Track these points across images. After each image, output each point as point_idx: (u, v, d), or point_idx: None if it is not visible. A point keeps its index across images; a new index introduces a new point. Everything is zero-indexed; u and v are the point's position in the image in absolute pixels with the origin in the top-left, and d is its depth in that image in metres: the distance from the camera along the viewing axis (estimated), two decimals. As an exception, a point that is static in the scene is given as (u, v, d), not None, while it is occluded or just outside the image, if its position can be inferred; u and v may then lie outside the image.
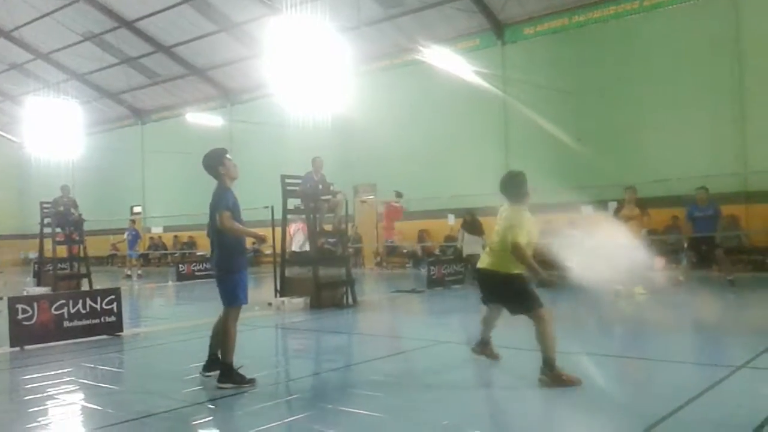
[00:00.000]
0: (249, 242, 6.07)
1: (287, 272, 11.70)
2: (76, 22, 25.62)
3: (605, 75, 17.84)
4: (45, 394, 5.53)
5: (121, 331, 8.59)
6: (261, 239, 5.91)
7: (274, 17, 18.25)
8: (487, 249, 5.74)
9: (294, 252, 13.10)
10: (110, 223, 27.61)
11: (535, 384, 5.20)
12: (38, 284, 15.98)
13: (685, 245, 13.35)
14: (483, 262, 5.66)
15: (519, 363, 5.97)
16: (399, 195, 20.45)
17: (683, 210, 15.67)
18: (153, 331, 9.54)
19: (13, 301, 7.74)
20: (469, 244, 14.60)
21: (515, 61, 19.59)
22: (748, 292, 11.85)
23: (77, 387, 5.87)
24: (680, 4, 16.84)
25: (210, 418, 4.96)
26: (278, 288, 11.49)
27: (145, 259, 27.14)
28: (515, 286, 5.42)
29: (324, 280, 11.26)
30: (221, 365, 5.64)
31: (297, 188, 11.62)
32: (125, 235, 22.19)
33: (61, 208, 15.28)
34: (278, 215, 11.79)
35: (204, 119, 25.67)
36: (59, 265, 15.42)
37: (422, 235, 21.12)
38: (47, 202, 15.69)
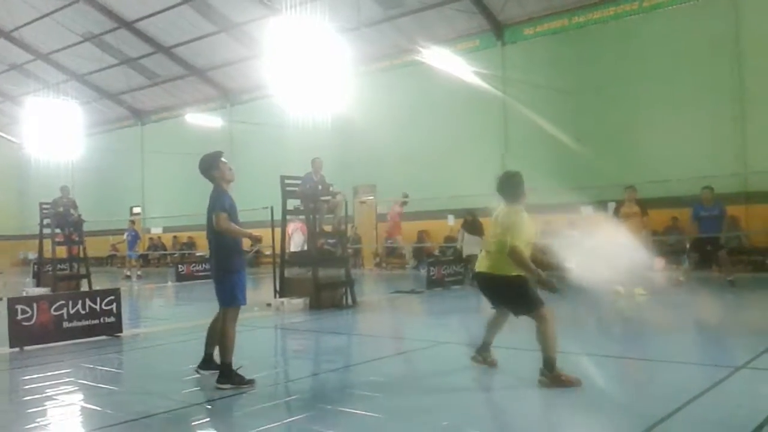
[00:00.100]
0: (247, 243, 6.08)
1: (287, 273, 11.70)
2: (76, 22, 25.62)
3: (605, 75, 17.85)
4: (44, 395, 5.52)
5: (121, 331, 8.58)
6: (257, 240, 5.92)
7: (274, 18, 18.26)
8: (484, 252, 5.66)
9: (293, 252, 13.10)
10: (110, 223, 27.60)
11: (535, 385, 5.20)
12: (38, 285, 15.97)
13: (688, 245, 13.35)
14: (481, 266, 5.59)
15: (519, 364, 5.96)
16: (406, 196, 20.26)
17: (683, 211, 15.69)
18: (152, 331, 9.53)
19: (12, 302, 7.73)
20: (469, 245, 14.58)
21: (515, 61, 19.60)
22: (748, 293, 11.85)
23: (76, 388, 5.86)
24: (680, 5, 16.86)
25: (209, 418, 4.96)
26: (277, 289, 11.48)
27: (144, 260, 27.13)
28: (515, 288, 5.37)
29: (323, 281, 11.25)
30: (220, 366, 5.64)
31: (297, 189, 11.61)
32: (125, 236, 22.19)
33: (61, 209, 15.27)
34: (278, 216, 11.79)
35: (203, 120, 25.68)
36: (59, 265, 15.40)
37: (422, 236, 21.11)
38: (47, 203, 15.67)
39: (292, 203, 11.91)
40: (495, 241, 5.41)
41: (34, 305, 7.80)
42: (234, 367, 5.62)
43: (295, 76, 16.91)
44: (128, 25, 25.14)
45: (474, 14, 19.72)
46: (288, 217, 12.28)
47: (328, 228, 12.30)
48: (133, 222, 24.26)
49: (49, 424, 4.79)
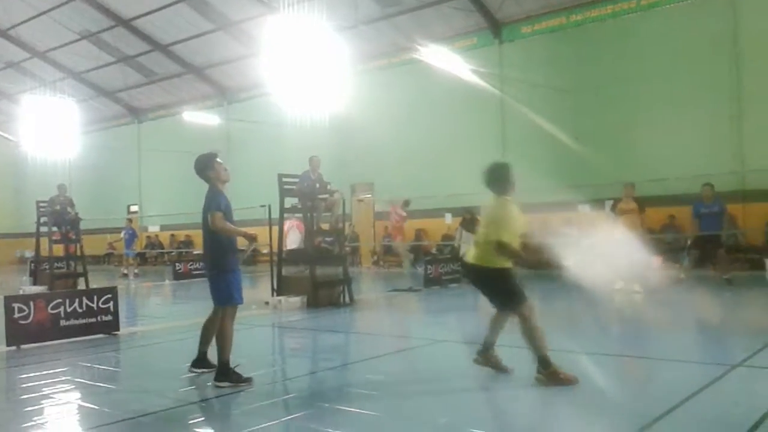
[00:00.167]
0: (243, 243, 6.11)
1: (284, 271, 11.69)
2: (73, 20, 25.54)
3: (603, 74, 17.86)
4: (41, 393, 5.51)
5: (118, 330, 8.57)
6: (252, 238, 5.94)
7: (272, 16, 18.22)
8: (474, 242, 5.63)
9: (291, 250, 13.09)
10: (107, 222, 27.55)
11: (533, 383, 5.20)
12: (34, 283, 15.94)
13: (689, 242, 13.37)
14: (469, 256, 5.55)
15: (517, 361, 5.96)
16: (407, 203, 20.00)
17: (680, 209, 15.73)
18: (150, 330, 9.53)
19: (9, 300, 7.71)
20: (467, 243, 14.61)
21: (513, 60, 19.59)
22: (744, 291, 11.87)
23: (73, 386, 5.85)
24: (677, 3, 16.86)
25: (206, 417, 4.96)
26: (275, 287, 11.48)
27: (141, 258, 27.09)
28: (500, 281, 5.32)
29: (321, 279, 11.25)
30: (218, 364, 5.64)
31: (294, 187, 11.61)
32: (122, 234, 22.15)
33: (58, 207, 15.25)
34: (275, 214, 11.77)
35: (201, 118, 25.62)
36: (56, 264, 15.37)
37: (419, 234, 21.11)
38: (44, 201, 15.65)
39: (290, 201, 11.90)
40: (484, 232, 5.37)
41: (31, 303, 7.78)
42: (231, 365, 5.63)
43: (292, 75, 16.88)
44: (125, 23, 25.08)
45: (472, 12, 19.71)
46: (284, 215, 12.27)
47: (325, 226, 12.29)
48: (130, 220, 24.21)
49: (46, 422, 4.78)
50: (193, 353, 6.05)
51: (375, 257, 22.15)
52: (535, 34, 19.38)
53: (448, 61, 17.68)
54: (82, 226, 15.78)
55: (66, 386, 5.82)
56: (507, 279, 5.31)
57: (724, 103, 16.09)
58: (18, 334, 7.63)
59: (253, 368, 5.89)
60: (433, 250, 20.18)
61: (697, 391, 4.88)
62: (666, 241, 15.78)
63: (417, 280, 14.74)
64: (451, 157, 19.91)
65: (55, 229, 15.26)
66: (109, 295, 8.52)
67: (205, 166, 5.86)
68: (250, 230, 5.99)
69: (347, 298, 11.37)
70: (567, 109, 17.72)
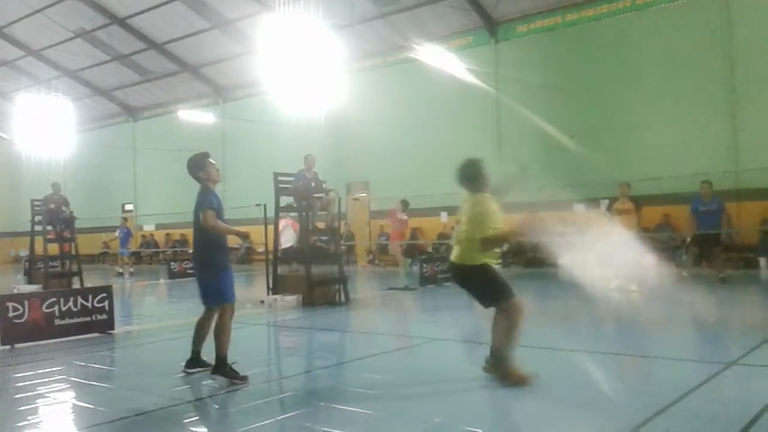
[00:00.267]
0: (234, 240, 6.14)
1: (279, 270, 11.68)
2: (68, 18, 25.47)
3: (598, 73, 17.89)
4: (35, 393, 5.49)
5: (113, 329, 8.55)
6: (244, 236, 5.96)
7: (268, 14, 18.23)
8: (455, 242, 5.52)
9: (286, 249, 13.08)
10: (102, 220, 27.49)
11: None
12: (29, 282, 15.90)
13: (688, 240, 13.40)
14: (453, 255, 5.44)
15: (516, 360, 5.96)
16: (405, 205, 19.79)
17: (675, 208, 15.79)
18: (145, 329, 9.51)
19: (3, 299, 7.69)
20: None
21: (508, 58, 19.61)
22: (739, 290, 11.91)
23: (68, 385, 5.84)
24: (672, 3, 16.91)
25: (202, 416, 4.95)
26: (270, 286, 11.46)
27: (136, 257, 27.04)
28: (483, 278, 5.23)
29: (317, 278, 11.24)
30: (216, 359, 5.68)
31: (289, 186, 11.59)
32: (117, 233, 22.11)
33: (52, 206, 15.20)
34: (271, 213, 11.76)
35: (196, 117, 25.59)
36: (50, 262, 15.34)
37: (415, 233, 21.11)
38: (38, 200, 15.60)
39: (285, 200, 11.89)
40: (465, 230, 5.26)
41: (26, 302, 7.76)
42: (229, 361, 5.66)
43: (288, 73, 16.86)
44: (120, 21, 25.01)
45: (467, 11, 19.72)
46: (279, 213, 12.26)
47: (321, 225, 12.28)
48: (125, 219, 24.17)
49: (41, 421, 4.77)
50: (189, 352, 6.04)
51: (370, 256, 22.15)
52: (530, 33, 19.40)
53: (444, 59, 17.68)
54: (77, 224, 15.73)
55: (61, 385, 5.80)
56: (490, 275, 5.24)
57: (719, 102, 16.13)
58: (12, 333, 7.60)
59: (249, 367, 5.89)
60: (429, 249, 20.17)
61: (693, 388, 4.89)
62: (661, 240, 15.81)
63: (412, 278, 14.75)
64: (447, 156, 19.81)
65: (49, 227, 15.22)
66: (104, 294, 8.50)
67: (197, 165, 5.90)
68: (244, 229, 6.05)
69: (343, 297, 11.37)
70: (562, 108, 17.74)
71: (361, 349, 7.71)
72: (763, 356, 6.04)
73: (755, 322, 8.63)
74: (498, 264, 18.64)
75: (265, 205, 11.83)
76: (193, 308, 6.14)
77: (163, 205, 27.73)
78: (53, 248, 15.60)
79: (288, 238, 13.13)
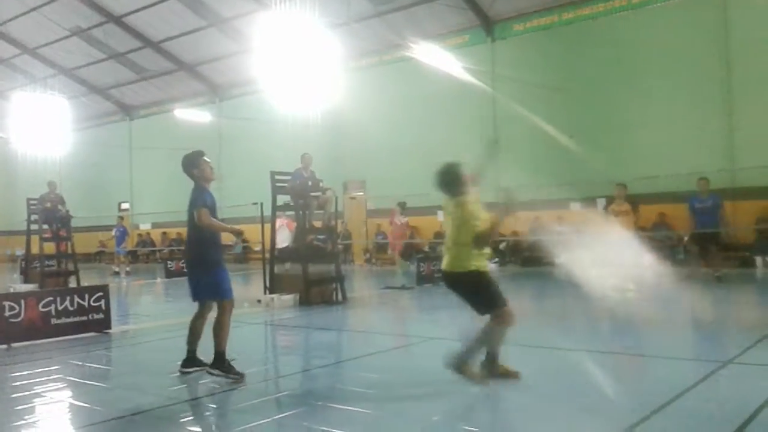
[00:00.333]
0: (228, 238, 6.16)
1: (276, 269, 11.67)
2: (64, 17, 25.41)
3: (594, 72, 17.92)
4: (32, 392, 5.49)
5: (110, 328, 8.54)
6: (238, 233, 5.98)
7: (264, 13, 18.20)
8: (445, 249, 5.42)
9: (283, 248, 13.07)
10: (98, 219, 27.43)
11: (526, 379, 5.22)
12: (25, 281, 15.86)
13: (686, 238, 13.44)
14: (444, 263, 5.35)
15: (512, 358, 5.96)
16: (403, 206, 19.45)
17: (671, 207, 15.83)
18: (141, 328, 9.50)
19: (0, 298, 7.69)
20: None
21: (505, 57, 19.62)
22: (735, 288, 11.94)
23: (65, 384, 5.83)
24: (669, 1, 16.94)
25: (199, 415, 4.95)
26: (267, 285, 11.46)
27: (133, 256, 26.99)
28: (476, 284, 5.14)
29: (313, 277, 11.24)
30: (214, 353, 5.72)
31: (286, 185, 11.58)
32: (113, 232, 22.06)
33: (48, 205, 15.17)
34: (267, 212, 11.75)
35: (192, 115, 25.55)
36: (46, 262, 15.30)
37: (412, 233, 21.10)
38: (34, 199, 15.56)
39: (282, 199, 11.88)
40: (452, 235, 5.21)
41: (22, 302, 7.74)
42: (227, 358, 5.71)
43: (284, 72, 16.85)
44: (116, 20, 24.96)
45: (464, 10, 19.73)
46: (276, 212, 12.25)
47: (317, 224, 12.28)
48: (121, 218, 24.08)
49: (38, 421, 4.76)
50: (185, 351, 6.03)
51: (367, 255, 22.15)
52: (526, 31, 19.42)
53: (440, 58, 17.68)
54: (73, 223, 15.70)
55: (57, 384, 5.80)
56: (484, 282, 5.16)
57: (715, 100, 16.18)
58: (9, 333, 7.58)
59: (246, 366, 5.88)
60: (426, 248, 20.17)
61: (689, 387, 4.91)
62: (658, 239, 15.84)
63: (409, 278, 14.75)
64: (443, 155, 19.71)
65: (45, 226, 15.18)
66: (101, 293, 8.49)
67: (192, 163, 5.94)
68: (239, 227, 6.07)
69: (340, 296, 11.37)
70: (559, 107, 17.76)
71: (359, 348, 7.71)
72: (759, 355, 6.06)
73: (751, 320, 8.66)
74: (495, 263, 18.76)
75: (261, 204, 11.83)
76: (190, 307, 6.13)
77: (159, 204, 27.68)
78: (49, 247, 15.57)
79: (283, 239, 13.12)
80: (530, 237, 18.38)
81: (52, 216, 15.12)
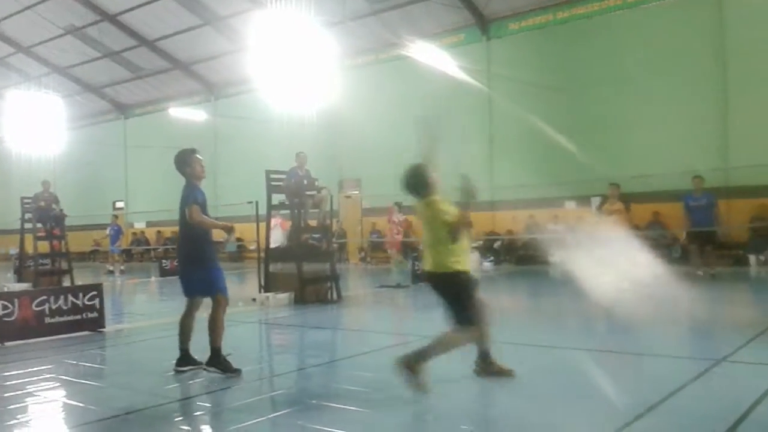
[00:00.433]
0: (220, 235, 6.17)
1: (271, 268, 11.66)
2: (58, 15, 25.33)
3: (589, 71, 17.94)
4: (25, 391, 5.47)
5: (104, 327, 8.52)
6: (229, 229, 5.99)
7: (259, 11, 18.17)
8: (425, 250, 5.34)
9: (277, 248, 13.06)
10: (92, 218, 27.36)
11: (521, 377, 5.22)
12: (19, 280, 15.80)
13: (683, 238, 13.48)
14: (426, 263, 5.30)
15: (506, 357, 5.97)
16: (400, 206, 19.22)
17: (665, 205, 15.87)
18: (136, 327, 9.47)
19: (-7, 297, 7.66)
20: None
21: (500, 56, 19.63)
22: (728, 287, 11.98)
23: (59, 383, 5.81)
24: (664, 0, 16.97)
25: (193, 414, 4.94)
26: (262, 283, 11.44)
27: (127, 255, 26.93)
28: (460, 292, 5.06)
29: (308, 276, 11.23)
30: (210, 350, 5.74)
31: (281, 183, 11.57)
32: (107, 231, 22.00)
33: (42, 204, 15.13)
34: (263, 211, 11.73)
35: (187, 114, 25.51)
36: (40, 261, 15.26)
37: (407, 231, 21.09)
38: (28, 198, 15.52)
39: (277, 198, 11.87)
40: (430, 236, 5.17)
41: (16, 301, 7.72)
42: (223, 353, 5.75)
43: (279, 70, 16.83)
44: (111, 18, 24.89)
45: (459, 9, 19.73)
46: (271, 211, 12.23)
47: (313, 223, 12.27)
48: (116, 216, 24.04)
49: (31, 420, 4.75)
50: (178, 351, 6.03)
51: (362, 254, 22.15)
52: (522, 30, 19.44)
53: (436, 57, 17.70)
54: (67, 222, 15.66)
55: (51, 384, 5.78)
56: (470, 290, 5.09)
57: (710, 100, 16.22)
58: (2, 332, 7.55)
59: (241, 365, 5.87)
60: (421, 247, 20.14)
61: (683, 385, 4.92)
62: (652, 238, 15.88)
63: (404, 276, 14.75)
64: (438, 154, 19.92)
65: (39, 225, 15.13)
66: (95, 292, 8.47)
67: (183, 161, 5.97)
68: (230, 224, 6.07)
69: (335, 295, 11.36)
70: (554, 106, 17.77)
71: (353, 346, 7.71)
72: (753, 353, 6.08)
73: (745, 318, 8.69)
74: (490, 261, 18.77)
75: (257, 203, 11.81)
76: (184, 306, 6.11)
77: (153, 203, 27.63)
78: (43, 246, 15.51)
79: (276, 238, 13.11)
80: (525, 235, 18.43)
81: (46, 215, 15.08)
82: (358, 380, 5.51)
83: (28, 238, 15.40)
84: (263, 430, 4.37)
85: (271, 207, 11.72)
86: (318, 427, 4.24)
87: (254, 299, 11.17)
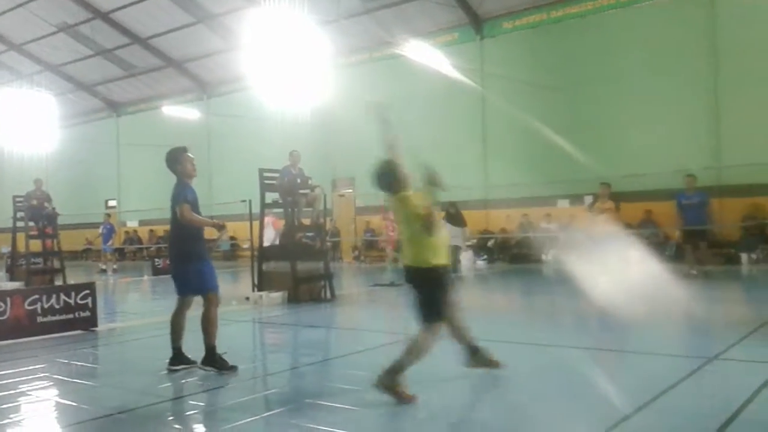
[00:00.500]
0: (211, 233, 6.18)
1: (265, 266, 11.64)
2: (50, 12, 25.21)
3: (583, 70, 17.98)
4: (18, 390, 5.45)
5: (96, 326, 8.50)
6: (220, 227, 6.01)
7: (253, 9, 18.13)
8: (403, 245, 5.23)
9: (271, 246, 13.04)
10: (85, 217, 27.25)
11: (515, 376, 5.23)
12: (10, 279, 15.72)
13: (678, 237, 13.53)
14: (405, 258, 5.15)
15: (500, 355, 5.98)
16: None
17: (657, 204, 15.93)
18: (128, 326, 9.45)
19: (-16, 296, 7.62)
20: (451, 237, 14.65)
21: (494, 55, 19.66)
22: (720, 285, 12.03)
23: (51, 383, 5.79)
24: (657, 0, 17.01)
25: (187, 413, 4.93)
26: (256, 282, 11.43)
27: (120, 254, 26.85)
28: (435, 287, 4.98)
29: (302, 275, 11.22)
30: (205, 349, 5.76)
31: (275, 182, 11.55)
32: (100, 230, 21.93)
33: (35, 202, 15.08)
34: (256, 209, 11.71)
35: (180, 112, 25.44)
36: (32, 259, 15.19)
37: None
38: (20, 196, 15.45)
39: (271, 197, 11.85)
40: (406, 231, 5.08)
41: (8, 299, 7.69)
42: (219, 351, 5.78)
43: (273, 69, 16.80)
44: (104, 16, 24.79)
45: (453, 8, 19.74)
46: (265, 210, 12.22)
47: (306, 221, 12.26)
48: (108, 215, 23.96)
49: (23, 419, 4.73)
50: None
51: (356, 252, 22.15)
52: (515, 29, 19.47)
53: (430, 56, 17.70)
54: (60, 221, 15.60)
55: (44, 383, 5.76)
56: (443, 286, 5.01)
57: (702, 99, 16.29)
58: (-6, 331, 7.53)
59: (234, 363, 5.87)
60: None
61: (675, 383, 4.94)
62: (644, 237, 15.94)
63: (399, 274, 14.76)
64: (433, 153, 19.87)
65: (31, 224, 15.08)
66: (87, 291, 8.44)
67: (174, 159, 5.97)
68: (221, 221, 6.08)
69: (329, 294, 11.35)
70: (547, 105, 17.81)
71: (347, 345, 7.71)
72: (745, 351, 6.11)
73: (737, 317, 8.73)
74: (483, 260, 18.80)
75: (250, 201, 11.79)
76: (175, 304, 6.10)
77: (146, 201, 27.53)
78: (35, 245, 15.45)
79: (267, 237, 13.11)
80: (518, 234, 18.47)
81: (38, 213, 15.02)
82: (352, 379, 5.50)
83: (21, 237, 15.34)
84: (257, 429, 4.36)
85: (264, 206, 11.70)
86: (311, 425, 4.24)
87: (248, 298, 11.15)
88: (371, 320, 9.92)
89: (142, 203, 28.29)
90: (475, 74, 18.99)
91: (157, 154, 6.50)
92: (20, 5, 24.74)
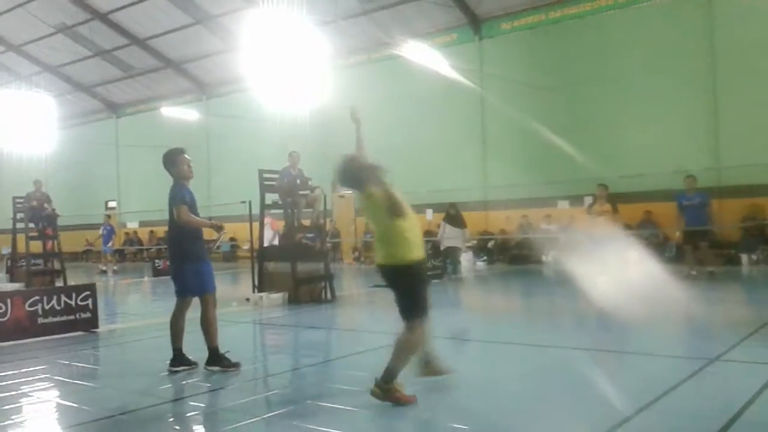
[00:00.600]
0: (210, 234, 6.19)
1: (265, 267, 11.63)
2: (49, 13, 25.20)
3: (581, 70, 18.00)
4: (19, 392, 5.45)
5: (97, 327, 8.49)
6: (218, 228, 6.05)
7: (251, 10, 18.13)
8: (376, 241, 5.14)
9: (271, 247, 13.04)
10: (85, 218, 27.23)
11: (516, 377, 5.23)
12: (11, 280, 15.71)
13: (678, 237, 13.54)
14: (378, 256, 5.01)
15: (500, 356, 6.01)
16: None
17: (657, 204, 15.94)
18: (129, 327, 9.44)
19: (-15, 298, 7.62)
20: (451, 238, 14.66)
21: (492, 56, 19.67)
22: (721, 286, 12.03)
23: (52, 384, 5.79)
24: (655, 0, 17.04)
25: (188, 414, 4.93)
26: (256, 283, 11.42)
27: (120, 255, 26.83)
28: (411, 282, 4.84)
29: (302, 276, 11.21)
30: (208, 350, 5.82)
31: (274, 183, 11.55)
32: (100, 231, 21.92)
33: (35, 203, 15.06)
34: (256, 210, 11.71)
35: (179, 113, 25.44)
36: (33, 260, 15.17)
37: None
38: (20, 197, 15.44)
39: (271, 197, 11.85)
40: (379, 229, 5.01)
41: (8, 301, 7.69)
42: (221, 350, 5.84)
43: (272, 70, 16.81)
44: (102, 17, 24.79)
45: (451, 8, 19.76)
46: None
47: (306, 222, 12.26)
48: (108, 216, 23.95)
49: (25, 420, 4.73)
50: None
51: (356, 253, 22.14)
52: (514, 30, 19.48)
53: (428, 57, 17.71)
54: (60, 222, 15.58)
55: (44, 384, 5.76)
56: (419, 280, 4.91)
57: (701, 99, 16.31)
58: (-6, 332, 7.53)
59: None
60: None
61: (676, 384, 4.94)
62: (644, 237, 15.96)
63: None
64: (432, 153, 19.99)
65: (31, 225, 15.06)
66: (88, 292, 8.44)
67: (171, 161, 5.98)
68: (219, 222, 6.09)
69: (329, 295, 11.35)
70: (546, 106, 17.83)
71: (347, 346, 7.72)
72: (746, 352, 6.11)
73: (737, 317, 8.73)
74: (483, 261, 18.80)
75: (250, 203, 11.79)
76: (174, 306, 6.10)
77: (146, 202, 27.51)
78: (36, 246, 15.44)
79: (266, 238, 13.10)
80: (518, 235, 18.47)
81: (38, 214, 15.01)
82: (353, 380, 5.50)
83: (21, 238, 15.32)
84: (257, 430, 4.36)
85: (264, 207, 11.70)
86: (312, 426, 4.25)
87: (248, 299, 11.15)
88: (372, 321, 9.92)
89: (142, 204, 28.28)
90: (474, 75, 19.00)
91: (156, 155, 6.49)
92: (19, 6, 24.73)
